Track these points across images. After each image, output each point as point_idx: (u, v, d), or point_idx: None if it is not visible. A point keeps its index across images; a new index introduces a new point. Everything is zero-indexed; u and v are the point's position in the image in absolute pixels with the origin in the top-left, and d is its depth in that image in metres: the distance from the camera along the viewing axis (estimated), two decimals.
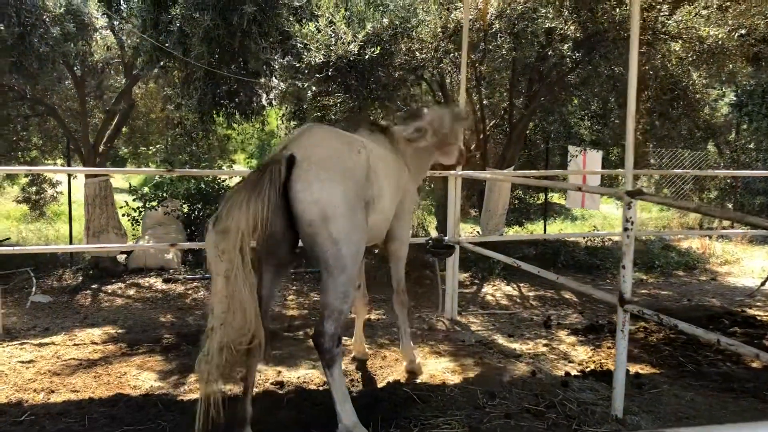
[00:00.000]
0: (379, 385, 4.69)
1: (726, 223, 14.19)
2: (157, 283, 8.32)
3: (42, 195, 12.46)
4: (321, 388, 4.60)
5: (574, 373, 5.04)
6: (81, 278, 8.46)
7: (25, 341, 5.72)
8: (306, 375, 4.89)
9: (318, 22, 7.43)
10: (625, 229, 3.99)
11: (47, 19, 7.52)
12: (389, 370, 5.02)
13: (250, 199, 3.27)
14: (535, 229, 13.15)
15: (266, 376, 4.80)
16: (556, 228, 14.37)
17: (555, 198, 16.09)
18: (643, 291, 8.23)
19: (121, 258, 9.34)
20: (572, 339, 6.04)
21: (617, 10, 7.78)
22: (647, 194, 4.27)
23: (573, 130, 10.91)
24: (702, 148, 14.32)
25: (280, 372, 4.92)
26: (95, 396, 4.44)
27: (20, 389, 4.57)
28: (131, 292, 7.94)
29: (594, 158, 10.81)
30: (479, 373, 4.99)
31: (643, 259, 9.84)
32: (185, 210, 9.98)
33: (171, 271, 8.86)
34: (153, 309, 7.18)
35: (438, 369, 5.07)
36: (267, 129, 10.99)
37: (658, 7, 7.98)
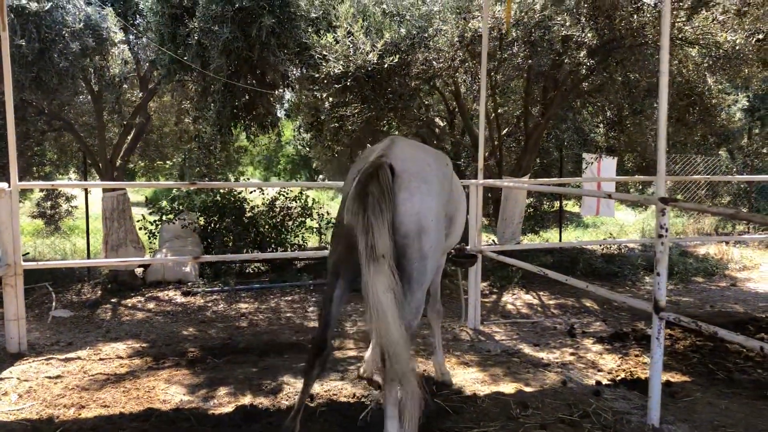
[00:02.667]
0: None
1: (740, 228, 14.16)
2: (176, 296, 8.31)
3: (57, 209, 12.47)
4: (351, 401, 4.58)
5: (604, 381, 5.00)
6: (99, 292, 8.47)
7: (51, 356, 5.71)
8: (335, 387, 4.86)
9: (336, 33, 7.45)
10: (660, 236, 3.96)
11: (66, 35, 7.54)
12: None
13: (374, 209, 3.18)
14: (549, 237, 13.10)
15: (296, 388, 4.77)
16: (570, 236, 14.30)
17: (568, 206, 16.04)
18: None
19: (139, 271, 9.34)
20: (599, 347, 6.00)
21: (635, 16, 7.77)
22: (681, 201, 4.25)
23: (588, 137, 10.88)
24: (714, 153, 14.27)
25: None
26: (126, 411, 4.41)
27: (50, 405, 4.55)
28: (151, 305, 7.93)
29: (608, 165, 10.77)
30: (509, 383, 4.96)
31: None
32: (201, 222, 9.99)
33: (189, 284, 8.85)
34: (174, 322, 7.16)
35: (467, 379, 5.04)
36: (282, 140, 10.99)
37: (675, 12, 7.97)
